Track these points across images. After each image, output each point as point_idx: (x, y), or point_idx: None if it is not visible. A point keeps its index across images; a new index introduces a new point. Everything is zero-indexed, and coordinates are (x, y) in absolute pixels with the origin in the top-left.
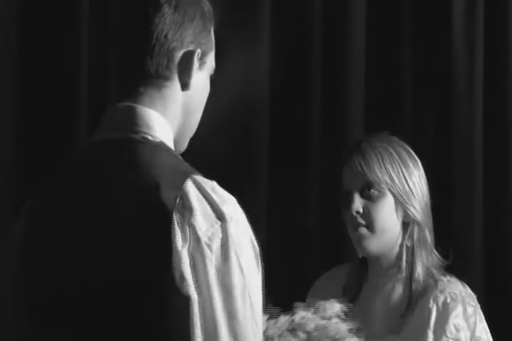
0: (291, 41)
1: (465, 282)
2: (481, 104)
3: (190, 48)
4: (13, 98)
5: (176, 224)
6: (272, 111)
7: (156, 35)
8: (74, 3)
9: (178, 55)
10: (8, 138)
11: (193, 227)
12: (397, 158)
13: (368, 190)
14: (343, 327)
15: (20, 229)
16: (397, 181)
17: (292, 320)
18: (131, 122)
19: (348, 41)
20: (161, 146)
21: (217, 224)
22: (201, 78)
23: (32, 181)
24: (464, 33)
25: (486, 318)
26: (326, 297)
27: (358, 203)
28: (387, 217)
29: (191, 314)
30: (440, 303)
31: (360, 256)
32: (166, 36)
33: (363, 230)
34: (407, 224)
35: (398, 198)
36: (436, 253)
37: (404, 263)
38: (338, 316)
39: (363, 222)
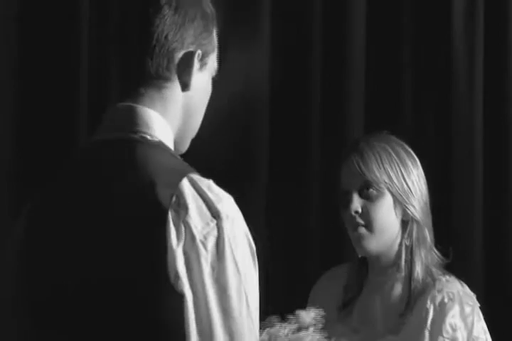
0: (291, 41)
1: (465, 282)
2: (481, 104)
3: (191, 49)
4: (13, 98)
5: (170, 222)
6: (272, 111)
7: (156, 35)
8: (74, 3)
9: (178, 55)
10: (8, 138)
11: (188, 225)
12: (395, 157)
13: (367, 190)
14: (316, 337)
15: (20, 230)
16: (395, 180)
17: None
18: (131, 122)
19: (348, 41)
20: (159, 146)
21: (213, 223)
22: (202, 79)
23: (32, 181)
24: (463, 33)
25: (485, 318)
26: (326, 297)
27: (356, 203)
28: (386, 216)
29: (186, 312)
30: (437, 303)
31: (359, 256)
32: (166, 37)
33: (362, 230)
34: (406, 222)
35: (397, 197)
36: (436, 251)
37: (403, 262)
38: (314, 325)
39: (361, 221)
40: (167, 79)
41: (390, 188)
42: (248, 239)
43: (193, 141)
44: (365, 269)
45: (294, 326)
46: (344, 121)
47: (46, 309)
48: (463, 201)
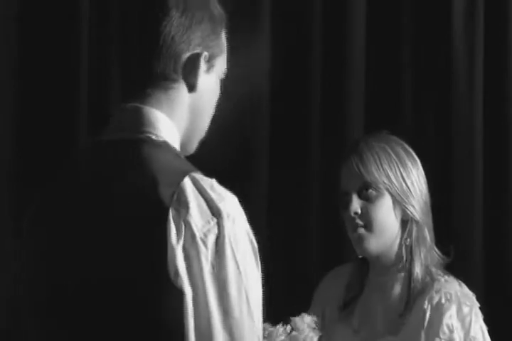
0: (291, 41)
1: (465, 282)
2: (481, 104)
3: (197, 51)
4: (13, 98)
5: (171, 220)
6: (272, 111)
7: (163, 37)
8: (74, 3)
9: (185, 57)
10: (8, 138)
11: (188, 223)
12: (394, 157)
13: (366, 191)
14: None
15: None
16: (394, 181)
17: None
18: (137, 122)
19: (348, 41)
20: (163, 146)
21: (213, 221)
22: (209, 81)
23: (32, 181)
24: (464, 33)
25: (485, 318)
26: (329, 297)
27: (356, 204)
28: (386, 216)
29: (185, 310)
30: (434, 304)
31: (360, 257)
32: (173, 38)
33: (362, 231)
34: (405, 222)
35: (396, 198)
36: (437, 250)
37: (403, 262)
38: (310, 326)
39: (361, 222)
40: (173, 81)
41: (389, 189)
42: (250, 239)
43: None
44: (367, 269)
45: (289, 331)
46: (344, 121)
47: (47, 308)
48: (463, 201)
